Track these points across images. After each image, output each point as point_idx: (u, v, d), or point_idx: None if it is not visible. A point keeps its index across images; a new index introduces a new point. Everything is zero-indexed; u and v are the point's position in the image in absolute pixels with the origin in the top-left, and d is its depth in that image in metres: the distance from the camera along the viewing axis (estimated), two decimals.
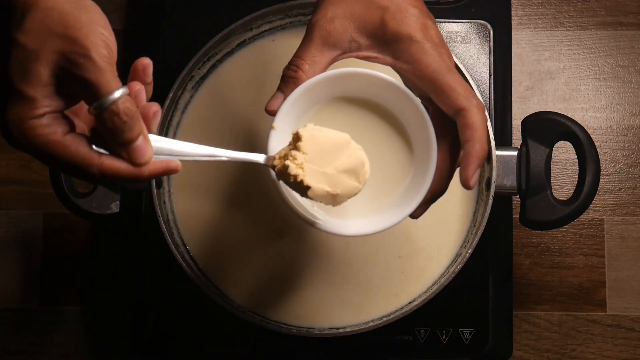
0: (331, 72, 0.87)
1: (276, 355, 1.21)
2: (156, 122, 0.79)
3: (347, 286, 1.18)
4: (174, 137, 1.21)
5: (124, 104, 0.74)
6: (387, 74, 0.90)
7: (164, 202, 1.18)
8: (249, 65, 1.21)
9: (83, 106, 0.79)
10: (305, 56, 0.88)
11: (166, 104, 1.17)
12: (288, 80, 0.88)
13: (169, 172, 0.78)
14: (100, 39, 0.74)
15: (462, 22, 1.24)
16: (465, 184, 0.86)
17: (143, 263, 1.23)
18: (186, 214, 1.20)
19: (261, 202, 1.18)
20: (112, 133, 0.75)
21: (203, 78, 1.22)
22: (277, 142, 0.87)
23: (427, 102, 0.89)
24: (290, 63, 0.89)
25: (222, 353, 1.21)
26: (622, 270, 1.32)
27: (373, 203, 0.92)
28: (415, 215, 0.92)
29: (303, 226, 1.17)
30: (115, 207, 1.15)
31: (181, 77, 1.18)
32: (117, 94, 0.74)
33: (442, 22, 1.24)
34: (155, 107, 0.78)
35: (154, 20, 1.27)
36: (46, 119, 0.74)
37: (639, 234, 1.33)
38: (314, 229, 1.13)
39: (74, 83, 0.74)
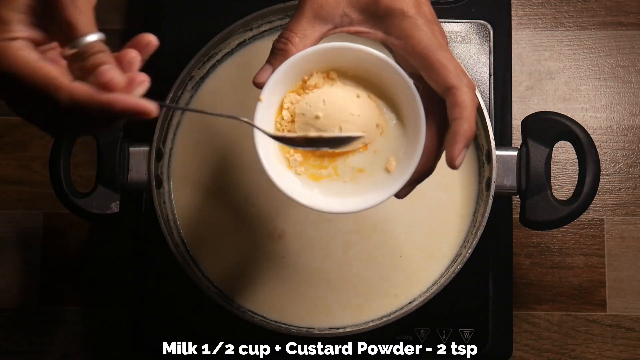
0: (321, 45, 0.86)
1: (276, 355, 1.20)
2: (140, 91, 0.75)
3: (347, 286, 1.19)
4: (174, 138, 1.21)
5: (99, 46, 0.73)
6: (379, 51, 0.88)
7: (164, 202, 1.18)
8: (249, 65, 1.21)
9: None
10: (295, 29, 0.87)
11: (166, 103, 1.16)
12: (277, 53, 0.87)
13: (143, 111, 0.73)
14: None
15: (462, 22, 1.24)
16: (451, 163, 0.84)
17: (143, 263, 1.23)
18: (186, 214, 1.20)
19: (261, 203, 1.18)
20: (84, 75, 0.73)
21: (203, 78, 1.22)
22: (264, 115, 0.86)
23: (418, 81, 0.88)
24: (281, 36, 0.88)
25: (222, 353, 1.21)
26: (622, 270, 1.32)
27: (359, 183, 0.90)
28: (400, 195, 0.90)
29: (303, 226, 1.18)
30: (115, 207, 1.14)
31: (181, 77, 1.18)
32: (94, 36, 0.73)
33: (442, 22, 1.19)
34: (144, 76, 0.75)
35: (153, 20, 1.27)
36: (19, 43, 0.73)
37: (639, 234, 1.33)
38: (313, 230, 1.14)
39: (51, 19, 0.73)
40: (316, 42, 0.88)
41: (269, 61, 0.88)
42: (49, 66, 0.72)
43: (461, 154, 0.83)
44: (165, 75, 1.21)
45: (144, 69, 1.21)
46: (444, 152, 0.85)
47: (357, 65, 0.88)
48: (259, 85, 0.87)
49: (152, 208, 1.16)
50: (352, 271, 1.19)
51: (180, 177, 1.21)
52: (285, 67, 0.85)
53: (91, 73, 0.72)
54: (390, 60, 0.86)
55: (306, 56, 0.85)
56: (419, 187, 1.14)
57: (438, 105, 0.87)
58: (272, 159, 0.87)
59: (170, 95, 1.17)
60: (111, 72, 0.72)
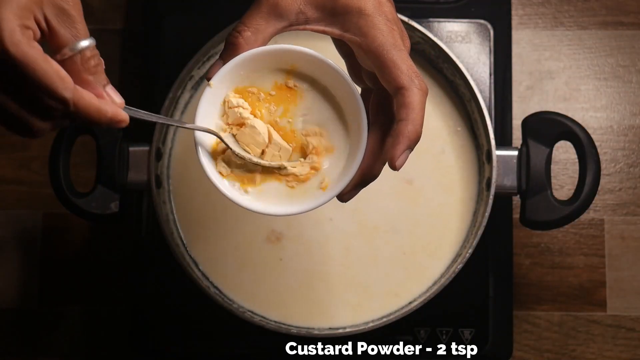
0: (270, 47, 0.85)
1: (276, 356, 1.20)
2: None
3: (347, 287, 1.19)
4: (174, 137, 1.22)
5: (95, 51, 0.77)
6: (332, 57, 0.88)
7: (164, 202, 1.18)
8: None
9: None
10: (249, 23, 0.85)
11: (166, 104, 1.17)
12: (229, 47, 0.86)
13: (117, 119, 0.78)
14: None
15: (462, 22, 1.25)
16: (391, 164, 0.82)
17: (143, 263, 1.23)
18: (186, 214, 1.20)
19: None
20: (92, 72, 0.77)
21: (203, 77, 1.22)
22: (210, 102, 0.86)
23: (374, 81, 0.87)
24: (233, 29, 0.87)
25: (222, 353, 1.21)
26: (622, 270, 1.33)
27: (302, 185, 0.88)
28: (343, 199, 0.88)
29: (301, 229, 1.18)
30: (114, 207, 1.15)
31: (181, 77, 1.18)
32: (90, 40, 0.76)
33: (442, 21, 1.24)
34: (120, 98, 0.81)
35: (153, 19, 1.27)
36: (29, 33, 0.73)
37: (639, 233, 1.33)
38: (312, 233, 1.16)
39: (63, 21, 0.75)
40: (269, 38, 0.86)
41: (220, 56, 0.87)
42: (57, 64, 0.74)
43: (402, 156, 0.82)
44: (164, 75, 1.21)
45: (144, 69, 1.21)
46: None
47: (306, 66, 0.87)
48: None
49: (152, 208, 1.16)
50: (352, 272, 1.19)
51: (180, 177, 1.21)
52: (233, 64, 0.85)
53: (85, 74, 0.76)
54: (335, 65, 0.85)
55: (255, 55, 0.85)
56: (419, 187, 1.18)
57: (389, 107, 0.86)
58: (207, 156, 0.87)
59: (170, 95, 1.17)
60: (111, 90, 0.78)
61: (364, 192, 1.16)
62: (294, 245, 1.19)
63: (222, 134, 0.85)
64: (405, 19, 1.17)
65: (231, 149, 0.85)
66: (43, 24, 0.74)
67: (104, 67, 0.77)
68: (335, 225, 1.19)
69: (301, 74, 0.87)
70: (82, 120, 0.76)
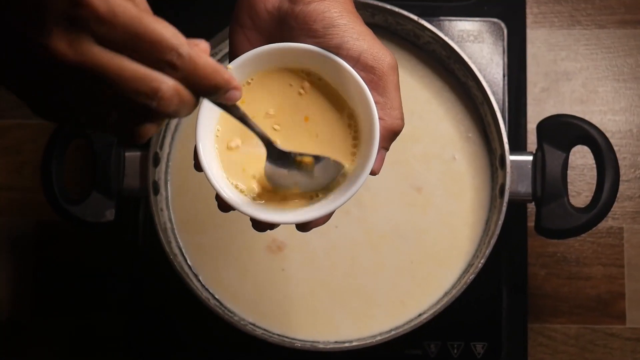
0: (273, 45, 0.85)
1: None
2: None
3: (353, 297, 1.19)
4: (172, 141, 1.22)
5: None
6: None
7: (162, 210, 1.18)
8: None
9: None
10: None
11: None
12: None
13: (233, 84, 0.71)
14: None
15: (474, 21, 1.25)
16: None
17: (140, 274, 1.23)
18: (185, 223, 1.20)
19: None
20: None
21: None
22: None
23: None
24: None
25: None
26: None
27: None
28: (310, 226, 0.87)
29: (304, 238, 1.18)
30: (110, 214, 1.15)
31: None
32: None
33: (453, 20, 1.24)
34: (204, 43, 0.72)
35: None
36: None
37: None
38: (316, 242, 1.17)
39: None
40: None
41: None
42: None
43: (378, 157, 0.84)
44: None
45: None
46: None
47: (311, 63, 0.87)
48: None
49: (149, 216, 1.16)
50: (358, 282, 1.19)
51: (178, 184, 1.21)
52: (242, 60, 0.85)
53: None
54: (333, 55, 0.84)
55: (259, 54, 0.85)
56: (428, 194, 1.19)
57: None
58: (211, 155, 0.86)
59: None
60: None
61: (371, 199, 1.19)
62: (297, 254, 1.19)
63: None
64: (415, 17, 1.17)
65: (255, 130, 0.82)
66: None
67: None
68: (340, 234, 1.19)
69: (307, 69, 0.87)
70: (194, 86, 0.68)
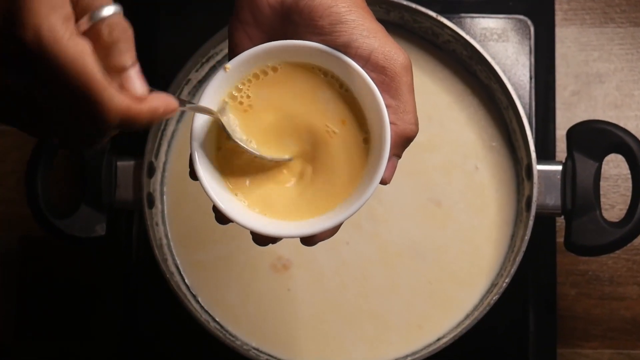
0: (275, 43, 0.85)
1: None
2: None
3: (364, 319, 1.20)
4: (168, 149, 1.22)
5: (121, 18, 0.71)
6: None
7: (157, 224, 1.19)
8: None
9: None
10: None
11: None
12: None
13: (169, 110, 0.74)
14: None
15: (498, 18, 1.25)
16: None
17: (133, 294, 1.23)
18: (182, 239, 1.21)
19: None
20: (106, 53, 0.71)
21: (201, 82, 1.23)
22: (219, 87, 0.86)
23: None
24: None
25: None
26: None
27: (322, 199, 0.88)
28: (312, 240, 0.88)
29: (312, 256, 1.19)
30: (100, 229, 1.16)
31: (176, 81, 1.18)
32: (114, 7, 0.71)
33: (475, 17, 1.25)
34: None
35: (146, 16, 1.28)
36: (74, 26, 0.69)
37: None
38: (324, 259, 1.18)
39: None
40: None
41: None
42: (102, 75, 0.70)
43: (389, 165, 0.84)
44: (158, 78, 1.23)
45: None
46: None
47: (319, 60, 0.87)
48: None
49: (144, 231, 1.17)
50: (371, 303, 1.20)
51: (175, 196, 1.21)
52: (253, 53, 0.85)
53: (106, 51, 0.71)
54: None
55: (264, 51, 0.85)
56: (448, 208, 1.20)
57: None
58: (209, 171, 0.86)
59: None
60: (138, 81, 0.72)
61: (385, 213, 1.20)
62: (303, 273, 1.19)
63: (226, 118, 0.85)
64: (433, 14, 1.17)
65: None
66: None
67: (133, 40, 0.72)
68: (351, 250, 1.20)
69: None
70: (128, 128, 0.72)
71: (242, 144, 0.84)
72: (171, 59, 1.21)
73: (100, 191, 1.15)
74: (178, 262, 1.20)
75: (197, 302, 1.18)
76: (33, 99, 0.70)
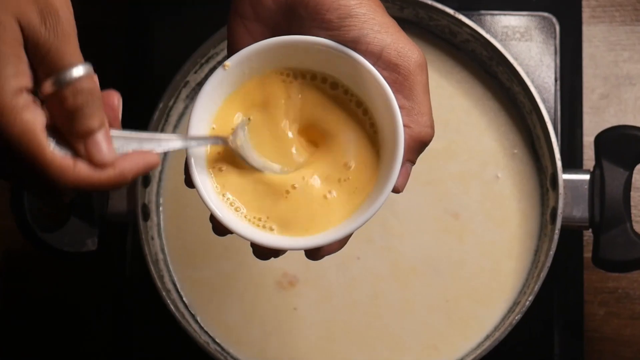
0: (278, 39, 0.85)
1: None
2: (119, 114, 0.77)
3: (377, 341, 1.19)
4: (164, 158, 1.23)
5: (89, 80, 0.72)
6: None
7: (153, 238, 1.19)
8: None
9: None
10: None
11: (155, 116, 1.18)
12: None
13: (147, 167, 0.77)
14: None
15: (521, 15, 1.26)
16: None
17: (127, 313, 1.24)
18: (180, 254, 1.21)
19: None
20: (70, 117, 0.72)
21: (200, 84, 1.22)
22: (217, 87, 0.86)
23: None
24: None
25: None
26: None
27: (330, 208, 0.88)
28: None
29: (320, 272, 1.19)
30: (92, 243, 1.16)
31: (173, 84, 1.19)
32: (83, 68, 0.72)
33: (496, 14, 1.26)
34: (116, 95, 0.77)
35: (142, 13, 1.28)
36: (26, 98, 0.71)
37: None
38: (333, 276, 1.19)
39: (33, 47, 0.71)
40: None
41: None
42: (54, 150, 0.72)
43: (402, 172, 0.83)
44: (154, 80, 1.22)
45: (128, 73, 1.20)
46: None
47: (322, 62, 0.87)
48: None
49: (138, 245, 1.17)
50: (383, 323, 1.19)
51: (172, 207, 1.22)
52: (254, 49, 0.85)
53: (71, 116, 0.72)
54: (350, 51, 0.85)
55: (261, 50, 0.85)
56: (466, 221, 1.21)
57: None
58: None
59: (160, 105, 1.18)
60: (104, 147, 0.74)
61: (398, 226, 1.20)
62: (311, 290, 1.19)
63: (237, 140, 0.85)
64: (451, 11, 1.18)
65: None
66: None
67: (101, 102, 0.74)
68: (362, 266, 1.19)
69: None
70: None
71: (258, 168, 0.84)
72: (168, 60, 1.23)
73: (91, 202, 1.15)
74: (175, 278, 1.20)
75: (196, 322, 1.18)
76: None
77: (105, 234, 1.16)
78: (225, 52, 1.21)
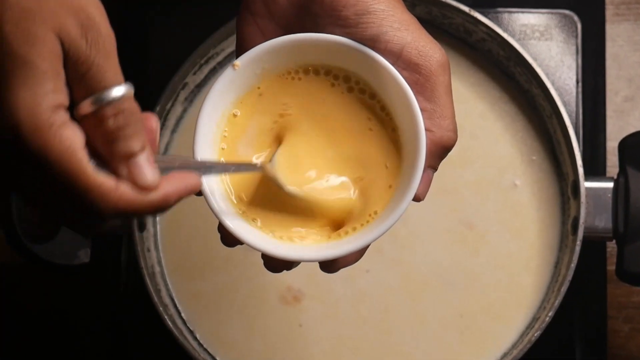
0: (291, 36, 0.85)
1: None
2: (158, 138, 0.77)
3: (386, 357, 1.19)
4: None
5: (130, 101, 0.71)
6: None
7: (149, 250, 1.19)
8: None
9: None
10: None
11: None
12: None
13: (189, 190, 0.76)
14: (102, 10, 0.71)
15: (540, 13, 1.26)
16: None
17: (121, 329, 1.24)
18: (178, 266, 1.21)
19: None
20: (110, 139, 0.71)
21: (200, 86, 1.23)
22: (227, 90, 0.85)
23: None
24: None
25: None
26: None
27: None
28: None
29: (327, 286, 1.19)
30: (84, 255, 1.15)
31: (171, 85, 1.19)
32: (124, 88, 0.71)
33: (514, 12, 1.26)
34: (154, 118, 0.76)
35: (139, 11, 1.28)
36: (64, 115, 0.69)
37: None
38: (340, 290, 1.19)
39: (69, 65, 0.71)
40: None
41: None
42: (94, 170, 0.71)
43: (423, 180, 0.83)
44: (151, 82, 1.24)
45: (125, 74, 1.19)
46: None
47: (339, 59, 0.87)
48: None
49: (133, 257, 1.17)
50: (393, 339, 1.19)
51: (169, 217, 1.21)
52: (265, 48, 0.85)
53: (111, 138, 0.71)
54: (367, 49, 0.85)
55: (273, 48, 0.85)
56: (482, 232, 1.22)
57: None
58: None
59: (158, 108, 1.18)
60: (147, 169, 0.73)
61: (410, 237, 1.20)
62: (317, 305, 1.19)
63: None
64: (466, 9, 1.18)
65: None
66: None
67: (141, 123, 0.73)
68: (372, 279, 1.19)
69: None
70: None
71: (294, 193, 0.84)
72: (165, 60, 1.23)
73: None
74: (173, 293, 1.20)
75: (195, 338, 1.18)
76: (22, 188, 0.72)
77: (98, 245, 1.16)
78: (226, 52, 1.23)
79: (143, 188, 0.72)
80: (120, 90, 0.69)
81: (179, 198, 0.75)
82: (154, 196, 0.72)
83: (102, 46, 0.69)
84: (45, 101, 0.67)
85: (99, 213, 0.71)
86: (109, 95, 0.69)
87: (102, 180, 0.69)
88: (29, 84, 0.67)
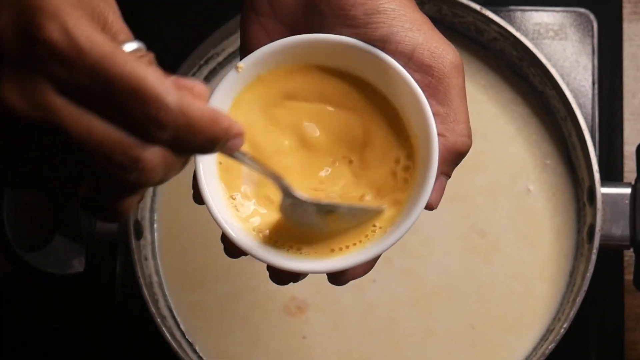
0: (297, 37, 0.86)
1: None
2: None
3: None
4: None
5: (148, 52, 0.70)
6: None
7: (146, 259, 1.19)
8: None
9: None
10: None
11: None
12: None
13: (233, 128, 0.68)
14: None
15: (555, 11, 1.26)
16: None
17: (117, 340, 1.24)
18: (176, 276, 1.21)
19: None
20: None
21: None
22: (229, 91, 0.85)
23: None
24: None
25: None
26: None
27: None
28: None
29: (332, 296, 1.19)
30: (79, 264, 1.15)
31: None
32: (138, 44, 0.69)
33: (527, 10, 1.26)
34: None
35: (137, 10, 1.28)
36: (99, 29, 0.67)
37: None
38: (347, 300, 1.19)
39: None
40: None
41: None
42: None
43: (436, 188, 0.83)
44: None
45: None
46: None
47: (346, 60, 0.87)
48: None
49: (130, 266, 1.17)
50: (402, 353, 1.19)
51: (167, 224, 1.22)
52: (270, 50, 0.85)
53: None
54: (378, 51, 0.84)
55: (283, 47, 0.85)
56: (494, 240, 1.23)
57: None
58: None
59: None
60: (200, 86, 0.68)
61: (419, 245, 1.19)
62: (322, 317, 1.19)
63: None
64: (477, 7, 1.18)
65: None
66: None
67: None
68: (379, 289, 1.19)
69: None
70: (185, 146, 0.67)
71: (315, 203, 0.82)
72: (164, 61, 1.18)
73: (78, 219, 1.15)
74: (171, 303, 1.19)
75: (194, 351, 1.18)
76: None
77: (93, 253, 1.16)
78: (226, 52, 1.24)
79: (200, 95, 0.67)
80: (132, 46, 0.68)
81: (227, 131, 0.67)
82: (208, 108, 0.66)
83: (111, 3, 0.69)
84: (82, 11, 0.64)
85: (163, 111, 0.63)
86: (131, 46, 0.68)
87: (164, 77, 0.64)
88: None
